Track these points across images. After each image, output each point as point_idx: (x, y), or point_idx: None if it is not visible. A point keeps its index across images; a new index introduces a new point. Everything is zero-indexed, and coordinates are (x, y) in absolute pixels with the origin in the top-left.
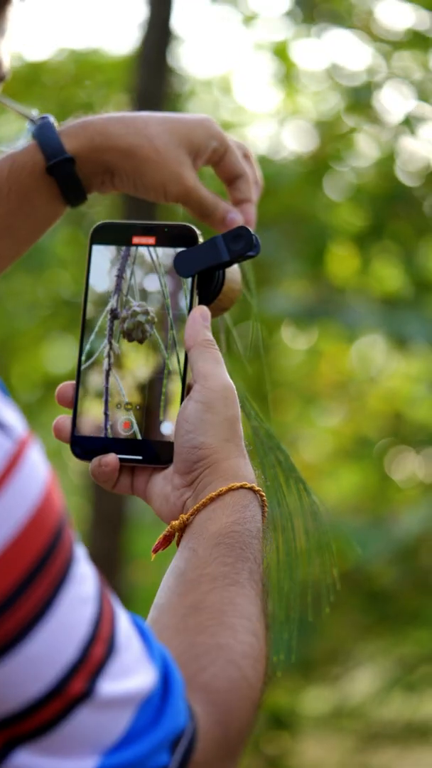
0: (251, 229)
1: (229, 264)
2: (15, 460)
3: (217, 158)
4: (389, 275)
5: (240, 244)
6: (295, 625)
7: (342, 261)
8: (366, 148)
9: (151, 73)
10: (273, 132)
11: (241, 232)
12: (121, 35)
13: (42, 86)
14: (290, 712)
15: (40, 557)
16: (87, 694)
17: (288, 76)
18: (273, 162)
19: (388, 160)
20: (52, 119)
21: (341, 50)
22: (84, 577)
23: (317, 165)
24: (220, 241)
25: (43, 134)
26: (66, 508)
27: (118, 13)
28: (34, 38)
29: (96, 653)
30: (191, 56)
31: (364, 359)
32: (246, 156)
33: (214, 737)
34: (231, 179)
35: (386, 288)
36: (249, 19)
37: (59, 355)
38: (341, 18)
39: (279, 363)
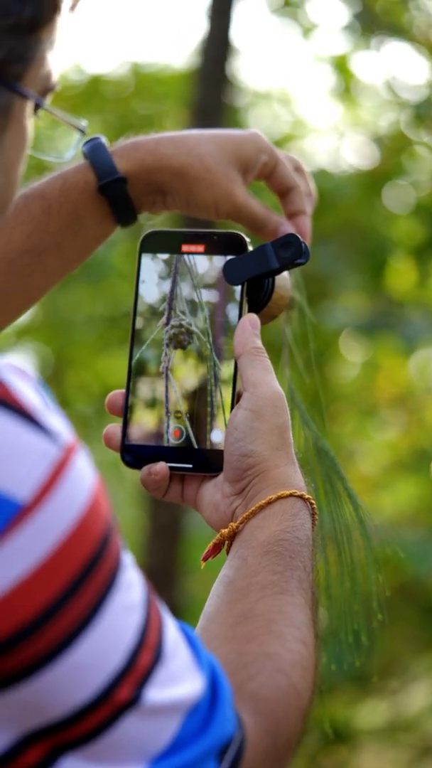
0: (308, 241)
1: (279, 271)
2: (62, 466)
3: (268, 172)
4: None
5: (289, 251)
6: (350, 637)
7: (401, 274)
8: (425, 161)
9: (210, 87)
10: (332, 145)
11: (290, 240)
12: (181, 48)
13: (102, 99)
14: (347, 725)
15: (87, 564)
16: (134, 701)
17: (347, 89)
18: (332, 175)
19: None
20: (104, 139)
21: (401, 63)
22: (131, 585)
23: (376, 178)
24: (269, 249)
25: (96, 154)
26: (113, 515)
27: (179, 26)
28: (95, 51)
29: (143, 660)
30: (251, 69)
31: (422, 372)
32: (298, 169)
33: (263, 746)
34: (283, 192)
35: None
36: (308, 31)
37: (117, 367)
38: (401, 30)
39: (337, 375)
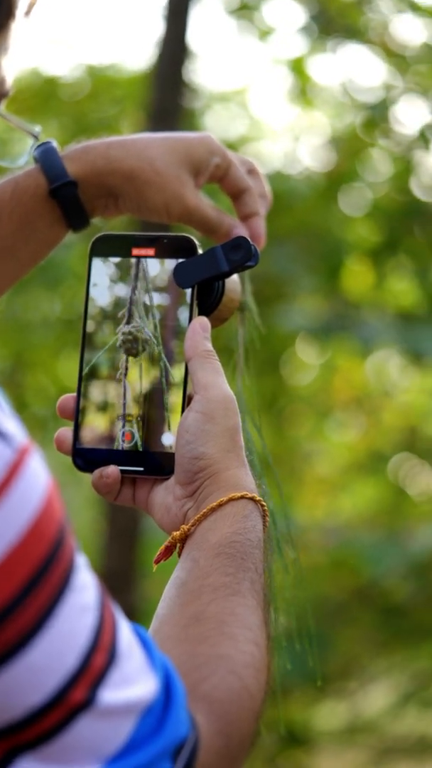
0: (262, 243)
1: (229, 274)
2: (15, 468)
3: (221, 174)
4: (404, 290)
5: (239, 254)
6: (305, 640)
7: (357, 276)
8: (381, 163)
9: (167, 89)
10: (289, 147)
11: (239, 242)
12: (137, 51)
13: (58, 102)
14: (305, 727)
15: (41, 565)
16: (88, 702)
17: (304, 91)
18: (288, 177)
19: (403, 174)
20: (55, 143)
21: (357, 65)
22: (85, 586)
23: (332, 180)
24: (219, 252)
25: (46, 158)
26: (67, 517)
27: (135, 28)
28: (50, 53)
29: (97, 662)
30: (207, 71)
31: (379, 374)
32: (251, 171)
33: (216, 747)
34: (236, 194)
35: (401, 303)
36: (264, 34)
37: (74, 369)
38: (357, 33)
39: (294, 377)
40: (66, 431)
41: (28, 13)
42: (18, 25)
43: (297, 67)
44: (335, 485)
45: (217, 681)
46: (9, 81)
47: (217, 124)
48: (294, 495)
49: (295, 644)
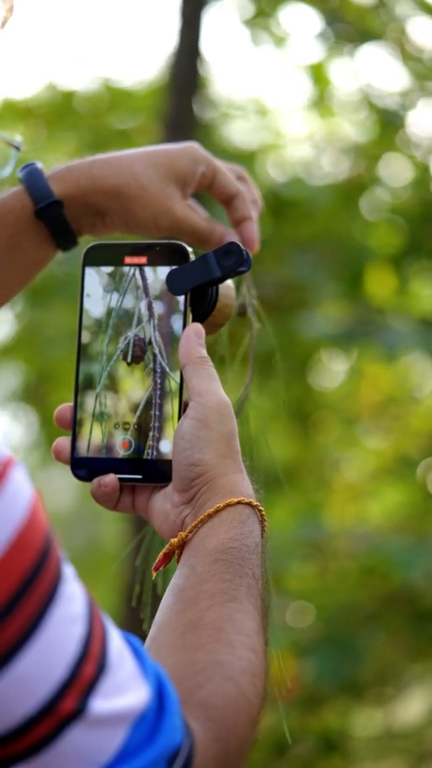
0: (255, 247)
1: (221, 280)
2: None
3: (207, 182)
4: (427, 295)
5: (231, 259)
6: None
7: (380, 282)
8: (401, 168)
9: (182, 100)
10: (309, 154)
11: (231, 248)
12: (152, 62)
13: (76, 115)
14: (341, 734)
15: (27, 577)
16: (79, 712)
17: (322, 97)
18: (309, 184)
19: (423, 179)
20: (39, 164)
21: (374, 70)
22: (73, 596)
23: (353, 187)
24: (211, 258)
25: (31, 178)
26: (52, 528)
27: (149, 39)
28: (66, 67)
29: (87, 671)
30: (224, 80)
31: (404, 379)
32: (241, 177)
33: (212, 753)
34: (226, 200)
35: (424, 307)
36: (281, 41)
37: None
38: (374, 37)
39: (319, 384)
40: (64, 441)
41: (3, 25)
42: None
43: (315, 73)
44: (364, 491)
45: (214, 687)
46: None
47: (236, 133)
48: (323, 502)
49: (329, 651)
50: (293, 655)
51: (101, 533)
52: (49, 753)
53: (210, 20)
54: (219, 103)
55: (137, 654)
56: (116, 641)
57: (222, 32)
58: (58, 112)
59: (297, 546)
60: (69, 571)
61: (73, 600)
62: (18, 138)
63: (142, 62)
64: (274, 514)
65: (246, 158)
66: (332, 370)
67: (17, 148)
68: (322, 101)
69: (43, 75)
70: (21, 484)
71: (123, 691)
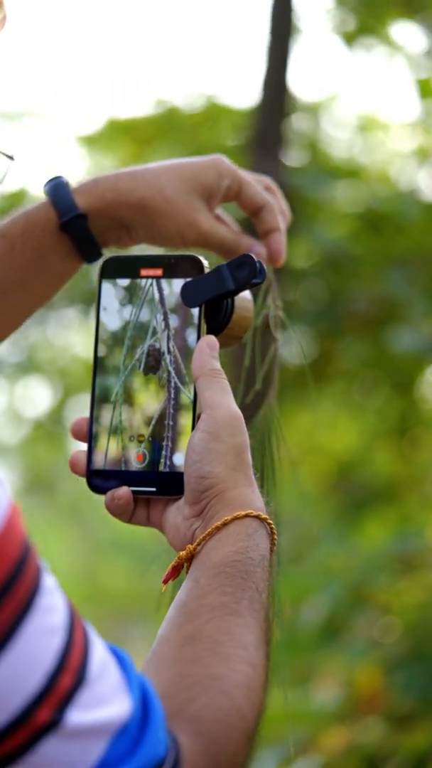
0: (282, 258)
1: (235, 293)
2: None
3: (234, 195)
4: None
5: (244, 272)
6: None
7: None
8: None
9: (271, 117)
10: (409, 170)
11: (245, 260)
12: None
13: (177, 131)
14: (430, 752)
15: (1, 587)
16: (54, 723)
17: (429, 114)
18: (405, 199)
19: None
20: (65, 178)
21: None
22: (51, 608)
23: None
24: (225, 270)
25: (56, 192)
26: (30, 539)
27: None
28: (169, 84)
29: (63, 683)
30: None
31: None
32: (268, 188)
33: (201, 766)
34: (254, 212)
35: None
36: (388, 56)
37: None
38: None
39: (425, 400)
40: (80, 453)
41: None
42: None
43: (424, 89)
44: None
45: (207, 701)
46: None
47: (335, 149)
48: (427, 519)
49: (417, 667)
50: (380, 671)
51: None
52: (23, 764)
53: (303, 36)
54: (316, 119)
55: (123, 666)
56: (99, 653)
57: (317, 47)
58: (163, 127)
59: (389, 561)
60: (49, 582)
61: (51, 611)
62: (11, 149)
63: (238, 78)
64: (368, 530)
65: (347, 174)
66: None
67: (11, 158)
68: (430, 116)
69: (145, 92)
70: None
71: (104, 702)
